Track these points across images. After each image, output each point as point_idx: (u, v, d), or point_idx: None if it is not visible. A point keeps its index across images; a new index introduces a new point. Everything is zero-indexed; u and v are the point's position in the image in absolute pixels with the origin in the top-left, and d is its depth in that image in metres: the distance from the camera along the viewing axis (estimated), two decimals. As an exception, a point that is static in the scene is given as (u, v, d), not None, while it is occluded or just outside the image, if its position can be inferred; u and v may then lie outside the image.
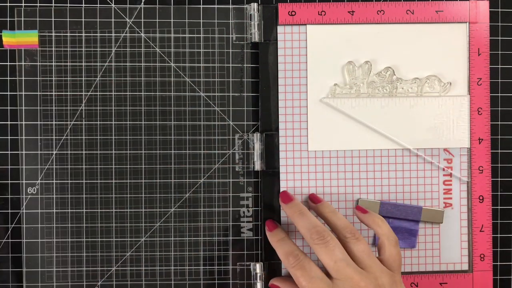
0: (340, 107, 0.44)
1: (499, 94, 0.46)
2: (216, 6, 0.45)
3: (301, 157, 0.45)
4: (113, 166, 0.44)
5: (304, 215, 0.40)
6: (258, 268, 0.44)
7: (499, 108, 0.46)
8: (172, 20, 0.44)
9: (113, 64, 0.44)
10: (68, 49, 0.44)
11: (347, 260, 0.37)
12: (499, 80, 0.46)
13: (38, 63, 0.44)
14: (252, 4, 0.44)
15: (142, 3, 0.45)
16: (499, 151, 0.46)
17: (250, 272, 0.45)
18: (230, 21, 0.45)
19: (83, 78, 0.44)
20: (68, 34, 0.44)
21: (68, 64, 0.44)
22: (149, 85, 0.44)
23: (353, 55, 0.45)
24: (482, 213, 0.45)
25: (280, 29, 0.44)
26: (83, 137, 0.44)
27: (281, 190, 0.44)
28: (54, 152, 0.44)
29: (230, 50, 0.45)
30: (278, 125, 0.45)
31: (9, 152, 0.44)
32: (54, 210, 0.44)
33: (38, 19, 0.44)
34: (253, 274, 0.45)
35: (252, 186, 0.45)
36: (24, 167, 0.44)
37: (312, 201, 0.43)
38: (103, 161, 0.44)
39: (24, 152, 0.44)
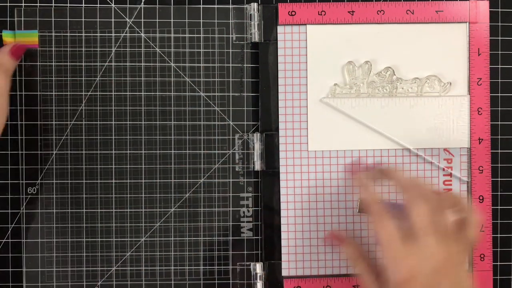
0: (340, 107, 0.44)
1: (499, 94, 0.46)
2: (216, 6, 0.45)
3: (301, 157, 0.45)
4: (113, 166, 0.44)
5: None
6: (258, 268, 0.44)
7: (499, 108, 0.46)
8: (172, 20, 0.44)
9: (113, 64, 0.44)
10: (68, 49, 0.44)
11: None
12: (499, 80, 0.46)
13: (38, 63, 0.44)
14: (252, 4, 0.44)
15: (142, 3, 0.45)
16: (499, 151, 0.46)
17: (250, 272, 0.45)
18: (230, 21, 0.45)
19: (83, 78, 0.44)
20: (68, 34, 0.44)
21: (68, 64, 0.44)
22: (149, 85, 0.44)
23: (353, 55, 0.45)
24: (482, 213, 0.45)
25: (280, 29, 0.44)
26: (83, 137, 0.44)
27: (281, 190, 0.44)
28: (54, 152, 0.44)
29: (230, 50, 0.45)
30: (278, 125, 0.44)
31: (9, 152, 0.44)
32: (54, 210, 0.44)
33: (38, 19, 0.44)
34: (253, 274, 0.45)
35: (252, 186, 0.45)
36: (24, 167, 0.44)
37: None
38: (103, 161, 0.44)
39: (24, 152, 0.44)
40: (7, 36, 0.43)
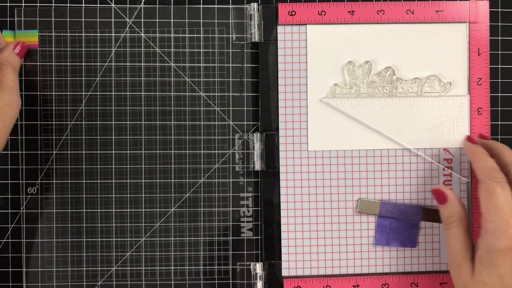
0: (340, 107, 0.44)
1: (499, 94, 0.46)
2: (216, 6, 0.45)
3: (301, 157, 0.45)
4: (113, 166, 0.44)
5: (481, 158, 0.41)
6: (258, 268, 0.44)
7: (499, 108, 0.46)
8: (172, 20, 0.44)
9: (113, 64, 0.44)
10: (68, 49, 0.44)
11: None
12: (499, 80, 0.46)
13: (38, 63, 0.44)
14: (252, 4, 0.44)
15: (142, 3, 0.45)
16: (499, 151, 0.46)
17: (250, 272, 0.45)
18: (230, 21, 0.45)
19: (83, 78, 0.44)
20: (68, 34, 0.44)
21: (68, 64, 0.44)
22: (149, 85, 0.44)
23: (353, 55, 0.45)
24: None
25: (280, 29, 0.44)
26: (83, 137, 0.44)
27: (281, 190, 0.44)
28: (54, 152, 0.44)
29: (230, 50, 0.45)
30: (278, 125, 0.44)
31: (9, 152, 0.44)
32: (54, 210, 0.44)
33: (38, 19, 0.44)
34: (253, 274, 0.45)
35: (252, 186, 0.45)
36: (24, 167, 0.44)
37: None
38: (103, 161, 0.44)
39: (24, 152, 0.44)
40: (7, 36, 0.43)
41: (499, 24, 0.46)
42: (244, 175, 0.45)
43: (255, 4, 0.44)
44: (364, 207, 0.45)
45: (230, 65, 0.45)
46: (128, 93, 0.44)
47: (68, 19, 0.44)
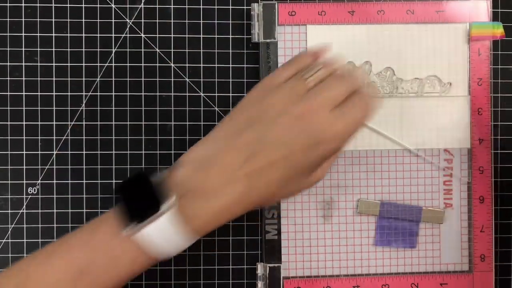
0: (340, 107, 0.44)
1: (499, 95, 0.46)
2: (216, 7, 0.45)
3: (301, 157, 0.44)
4: (113, 166, 0.44)
5: None
6: (258, 268, 0.44)
7: (499, 109, 0.46)
8: (172, 21, 0.44)
9: (113, 64, 0.44)
10: (68, 49, 0.44)
11: None
12: (499, 80, 0.46)
13: (38, 64, 0.44)
14: (252, 4, 0.44)
15: (142, 3, 0.45)
16: (499, 151, 0.46)
17: (250, 272, 0.45)
18: (230, 21, 0.45)
19: (83, 78, 0.44)
20: (68, 35, 0.44)
21: (68, 64, 0.44)
22: (149, 85, 0.44)
23: (353, 55, 0.45)
24: (482, 214, 0.45)
25: (280, 29, 0.44)
26: (83, 137, 0.44)
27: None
28: (54, 152, 0.44)
29: (230, 50, 0.45)
30: (278, 125, 0.44)
31: (9, 152, 0.44)
32: (55, 210, 0.44)
33: (38, 19, 0.44)
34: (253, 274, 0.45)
35: (252, 186, 0.45)
36: (24, 167, 0.44)
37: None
38: (103, 161, 0.44)
39: (24, 152, 0.44)
40: (477, 27, 0.44)
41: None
42: (244, 175, 0.45)
43: (255, 4, 0.44)
44: (364, 208, 0.45)
45: (230, 65, 0.45)
46: (128, 93, 0.44)
47: (68, 20, 0.44)
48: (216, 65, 0.45)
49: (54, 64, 0.44)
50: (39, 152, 0.44)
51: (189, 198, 0.32)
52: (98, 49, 0.44)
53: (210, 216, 0.33)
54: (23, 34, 0.44)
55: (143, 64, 0.44)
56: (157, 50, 0.44)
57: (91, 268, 0.32)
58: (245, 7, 0.45)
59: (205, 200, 0.33)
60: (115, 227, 0.33)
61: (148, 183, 0.33)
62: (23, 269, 0.33)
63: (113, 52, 0.44)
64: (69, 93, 0.44)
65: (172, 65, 0.44)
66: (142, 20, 0.44)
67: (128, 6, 0.44)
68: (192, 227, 0.33)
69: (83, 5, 0.44)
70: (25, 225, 0.44)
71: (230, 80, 0.45)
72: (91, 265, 0.32)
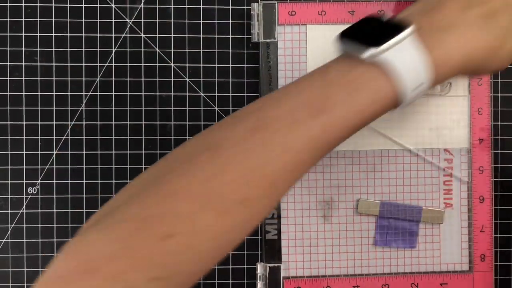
0: (340, 107, 0.44)
1: (499, 94, 0.46)
2: (216, 6, 0.45)
3: (301, 157, 0.44)
4: (113, 166, 0.44)
5: None
6: (258, 268, 0.44)
7: (499, 108, 0.46)
8: (172, 21, 0.44)
9: (113, 64, 0.44)
10: (68, 49, 0.44)
11: None
12: (499, 80, 0.46)
13: (38, 64, 0.44)
14: (252, 4, 0.44)
15: (142, 3, 0.45)
16: (499, 151, 0.46)
17: (250, 272, 0.45)
18: (230, 21, 0.45)
19: (83, 78, 0.44)
20: (68, 35, 0.44)
21: (68, 64, 0.44)
22: (149, 85, 0.44)
23: (353, 55, 0.45)
24: (482, 214, 0.45)
25: (280, 29, 0.44)
26: (83, 137, 0.44)
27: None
28: (54, 152, 0.44)
29: (230, 50, 0.45)
30: (278, 125, 0.44)
31: (9, 152, 0.44)
32: (55, 210, 0.44)
33: (38, 19, 0.44)
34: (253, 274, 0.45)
35: (252, 186, 0.45)
36: (24, 167, 0.44)
37: None
38: (103, 160, 0.44)
39: (24, 152, 0.44)
40: None
41: (500, 24, 0.46)
42: (244, 175, 0.45)
43: (255, 4, 0.44)
44: (364, 208, 0.45)
45: (230, 65, 0.45)
46: (128, 93, 0.44)
47: (68, 20, 0.44)
48: (216, 65, 0.45)
49: (54, 64, 0.44)
50: (39, 152, 0.44)
51: (426, 30, 0.31)
52: (98, 49, 0.44)
53: (450, 47, 0.31)
54: (23, 34, 0.44)
55: (143, 64, 0.44)
56: (157, 50, 0.44)
57: (326, 105, 0.29)
58: (245, 7, 0.45)
59: (443, 32, 0.31)
60: (347, 63, 0.30)
61: (378, 21, 0.31)
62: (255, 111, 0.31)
63: (113, 52, 0.44)
64: (69, 93, 0.44)
65: (172, 65, 0.45)
66: (142, 20, 0.44)
67: (128, 6, 0.44)
68: (434, 57, 0.30)
69: (83, 5, 0.44)
70: (25, 225, 0.44)
71: (230, 80, 0.45)
72: (327, 102, 0.29)
